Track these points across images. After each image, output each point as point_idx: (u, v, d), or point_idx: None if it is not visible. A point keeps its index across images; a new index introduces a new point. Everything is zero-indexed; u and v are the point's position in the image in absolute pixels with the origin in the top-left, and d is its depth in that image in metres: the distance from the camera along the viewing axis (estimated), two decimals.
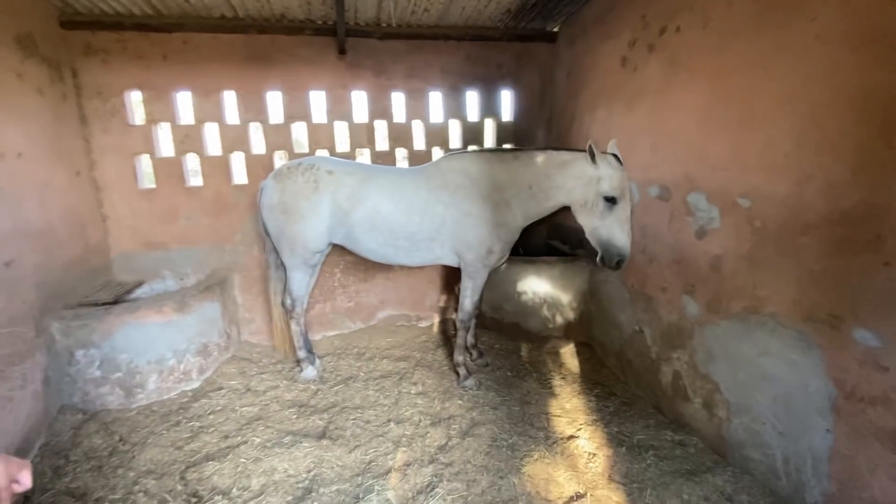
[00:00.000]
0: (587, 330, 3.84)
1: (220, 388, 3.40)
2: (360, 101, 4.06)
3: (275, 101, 3.86)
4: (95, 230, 3.58)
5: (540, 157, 2.91)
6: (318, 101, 3.96)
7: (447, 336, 4.24)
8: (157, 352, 3.19)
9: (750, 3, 2.12)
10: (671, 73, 2.67)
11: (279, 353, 3.72)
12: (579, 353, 3.79)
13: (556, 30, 4.16)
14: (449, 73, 4.09)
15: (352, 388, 3.38)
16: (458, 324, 3.36)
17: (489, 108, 4.26)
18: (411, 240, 3.08)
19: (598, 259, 2.76)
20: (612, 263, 2.68)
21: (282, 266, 3.44)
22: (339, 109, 3.95)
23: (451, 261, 3.22)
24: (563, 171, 2.82)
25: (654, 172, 2.88)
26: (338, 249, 3.45)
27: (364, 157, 4.18)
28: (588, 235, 2.80)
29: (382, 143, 4.17)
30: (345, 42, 3.70)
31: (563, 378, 3.47)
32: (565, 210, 2.98)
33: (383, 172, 3.14)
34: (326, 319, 4.23)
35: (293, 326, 3.48)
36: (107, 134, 3.55)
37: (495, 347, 3.93)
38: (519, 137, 4.32)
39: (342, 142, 4.08)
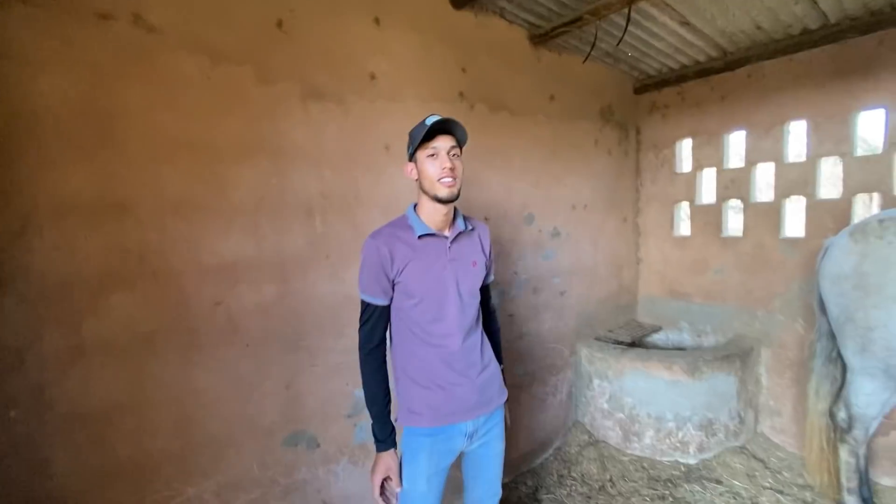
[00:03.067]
0: None
1: (719, 482, 2.80)
2: None
3: (870, 124, 2.71)
4: (629, 272, 3.89)
5: None
6: None
7: None
8: (658, 408, 3.03)
9: None
10: None
11: (811, 478, 2.62)
12: None
13: None
14: None
15: None
16: None
17: None
18: None
19: None
20: None
21: (837, 361, 2.36)
22: None
23: None
24: None
25: None
26: None
27: None
28: None
29: None
30: None
31: None
32: None
33: None
34: None
35: (843, 454, 2.32)
36: (654, 183, 3.75)
37: None
38: None
39: None
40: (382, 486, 1.40)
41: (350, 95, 2.04)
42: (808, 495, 2.66)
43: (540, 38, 2.83)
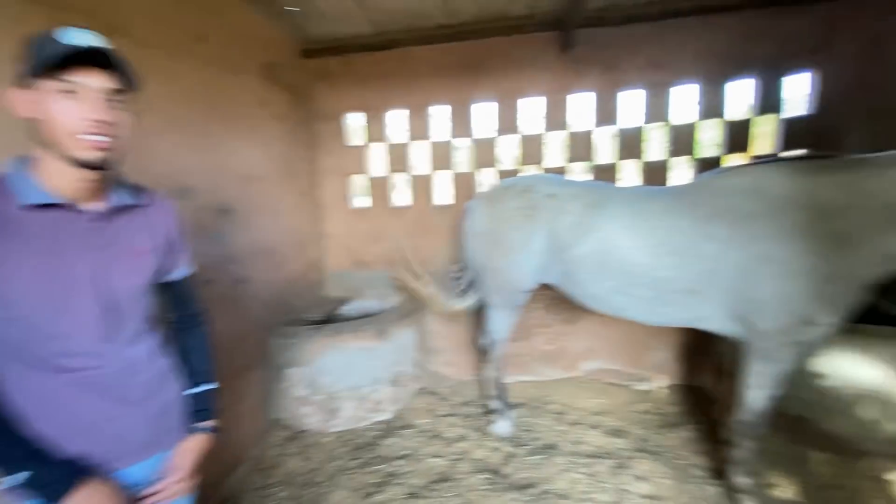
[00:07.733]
0: None
1: (410, 427, 3.12)
2: (583, 105, 3.35)
3: (486, 113, 3.47)
4: (314, 248, 3.76)
5: None
6: (532, 109, 3.42)
7: (687, 411, 3.15)
8: (355, 378, 3.08)
9: None
10: None
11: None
12: None
13: None
14: (707, 58, 3.03)
15: (553, 464, 2.67)
16: (734, 428, 2.29)
17: (769, 100, 3.02)
18: (658, 289, 2.21)
19: None
20: None
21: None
22: (556, 117, 3.31)
23: (721, 327, 2.19)
24: None
25: None
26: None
27: (583, 171, 3.46)
28: None
29: (606, 154, 3.37)
30: (573, 36, 3.04)
31: None
32: None
33: (625, 195, 2.34)
34: (521, 362, 3.63)
35: (489, 372, 2.98)
36: (329, 155, 3.69)
37: (770, 451, 2.69)
38: (821, 139, 2.93)
39: (558, 155, 3.45)
40: None
41: None
42: (468, 410, 3.31)
43: None
